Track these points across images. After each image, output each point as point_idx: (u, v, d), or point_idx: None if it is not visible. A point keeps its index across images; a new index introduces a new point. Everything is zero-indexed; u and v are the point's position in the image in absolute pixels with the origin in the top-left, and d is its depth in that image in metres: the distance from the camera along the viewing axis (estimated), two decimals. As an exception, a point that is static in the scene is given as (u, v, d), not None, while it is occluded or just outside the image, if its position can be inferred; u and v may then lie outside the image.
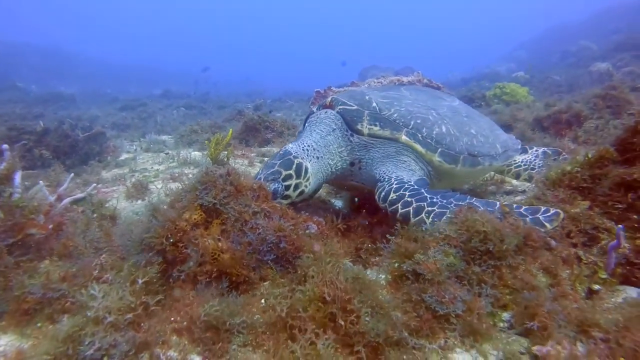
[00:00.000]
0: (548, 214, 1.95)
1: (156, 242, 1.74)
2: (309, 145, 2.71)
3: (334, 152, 2.77)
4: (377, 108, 2.79)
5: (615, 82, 6.47)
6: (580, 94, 7.48)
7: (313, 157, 2.68)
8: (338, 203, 3.54)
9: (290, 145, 2.73)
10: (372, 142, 2.75)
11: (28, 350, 1.46)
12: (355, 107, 2.80)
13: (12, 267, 1.83)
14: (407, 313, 1.55)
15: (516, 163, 3.64)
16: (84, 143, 5.75)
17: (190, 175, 4.27)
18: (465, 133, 2.93)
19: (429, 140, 2.71)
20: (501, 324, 1.61)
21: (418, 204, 2.21)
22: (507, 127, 5.72)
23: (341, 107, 2.82)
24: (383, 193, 2.42)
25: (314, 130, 2.84)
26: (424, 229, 2.03)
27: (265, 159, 5.31)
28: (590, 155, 2.20)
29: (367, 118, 2.73)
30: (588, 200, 2.09)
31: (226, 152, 4.85)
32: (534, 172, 3.49)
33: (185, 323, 1.55)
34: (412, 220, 2.17)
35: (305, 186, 2.56)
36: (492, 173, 3.87)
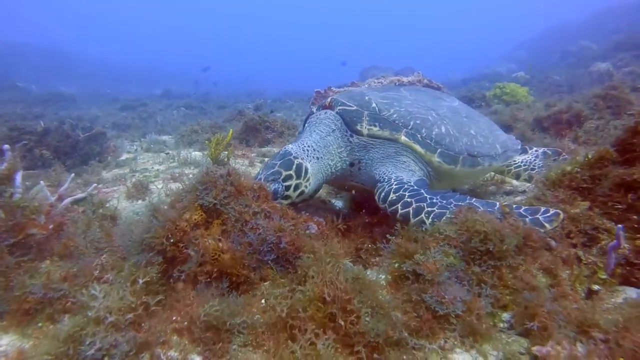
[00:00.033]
0: (548, 215, 1.95)
1: (157, 242, 1.75)
2: (309, 146, 2.72)
3: (333, 152, 2.77)
4: (377, 108, 2.79)
5: (615, 82, 6.46)
6: (580, 94, 7.48)
7: (313, 157, 2.68)
8: (338, 203, 3.54)
9: (291, 145, 2.73)
10: (371, 142, 2.75)
11: (29, 350, 1.46)
12: (355, 107, 2.80)
13: (13, 267, 1.83)
14: (407, 313, 1.55)
15: (516, 163, 3.64)
16: (84, 143, 5.76)
17: (191, 176, 4.27)
18: (464, 133, 2.93)
19: (429, 141, 2.71)
20: (501, 325, 1.61)
21: (418, 204, 2.21)
22: (507, 128, 5.73)
23: (341, 107, 2.82)
24: (383, 194, 2.42)
25: (314, 131, 2.84)
26: (423, 229, 2.04)
27: (266, 159, 5.32)
28: (590, 156, 2.20)
29: (367, 119, 2.73)
30: (588, 201, 2.09)
31: (226, 152, 4.85)
32: (533, 172, 3.50)
33: (185, 323, 1.55)
34: (412, 220, 2.17)
35: (306, 186, 2.57)
36: (492, 173, 3.87)
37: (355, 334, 1.45)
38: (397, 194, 2.35)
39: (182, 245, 1.77)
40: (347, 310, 1.50)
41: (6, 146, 2.49)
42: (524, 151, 3.79)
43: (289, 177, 2.48)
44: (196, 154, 5.79)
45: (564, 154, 3.78)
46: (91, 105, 16.20)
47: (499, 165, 3.20)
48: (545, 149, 3.87)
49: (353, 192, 3.20)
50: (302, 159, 2.59)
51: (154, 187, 4.14)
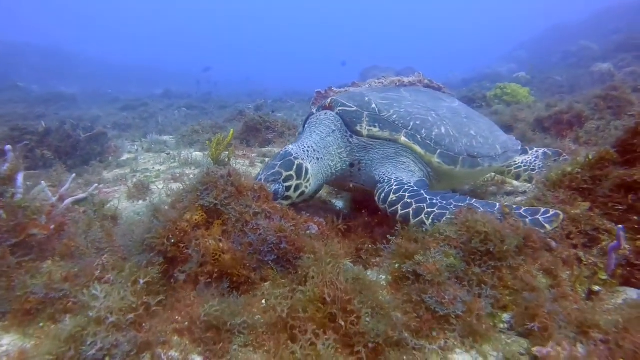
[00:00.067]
0: (548, 215, 1.95)
1: (157, 243, 1.75)
2: (309, 147, 2.72)
3: (333, 153, 2.77)
4: (377, 109, 2.79)
5: (616, 83, 6.45)
6: (581, 94, 7.47)
7: (313, 158, 2.69)
8: (339, 204, 3.54)
9: (291, 146, 2.74)
10: (371, 143, 2.76)
11: (30, 350, 1.46)
12: (355, 108, 2.80)
13: (15, 268, 1.84)
14: (408, 314, 1.56)
15: (516, 164, 3.64)
16: (85, 143, 5.77)
17: (192, 176, 4.28)
18: (464, 134, 2.94)
19: (428, 142, 2.71)
20: (501, 325, 1.61)
21: (418, 205, 2.21)
22: (508, 128, 5.73)
23: (340, 108, 2.82)
24: (383, 194, 2.42)
25: (314, 132, 2.85)
26: (424, 230, 2.04)
27: (266, 159, 5.32)
28: (590, 157, 2.20)
29: (367, 119, 2.73)
30: (588, 202, 2.09)
31: (227, 153, 4.86)
32: (534, 173, 3.50)
33: (186, 323, 1.56)
34: (412, 221, 2.17)
35: (306, 187, 2.57)
36: (493, 174, 3.87)
37: (355, 335, 1.45)
38: (397, 195, 2.35)
39: (182, 245, 1.78)
40: (348, 311, 1.50)
41: (8, 147, 2.50)
42: (524, 152, 3.79)
43: (290, 178, 2.48)
44: (197, 154, 5.79)
45: (564, 154, 3.78)
46: (92, 105, 16.23)
47: (499, 166, 3.20)
48: (546, 149, 3.87)
49: (352, 188, 3.20)
50: (303, 159, 2.60)
51: (155, 187, 4.15)
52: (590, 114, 5.52)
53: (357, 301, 1.52)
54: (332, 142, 2.78)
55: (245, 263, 1.79)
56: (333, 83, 8.61)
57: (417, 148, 2.68)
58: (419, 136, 2.71)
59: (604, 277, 1.85)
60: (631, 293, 1.82)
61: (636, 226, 1.95)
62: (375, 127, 2.71)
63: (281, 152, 2.66)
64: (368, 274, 1.91)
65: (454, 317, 1.54)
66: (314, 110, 3.05)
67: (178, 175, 4.56)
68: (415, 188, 2.38)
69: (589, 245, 1.98)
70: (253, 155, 5.57)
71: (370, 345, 1.42)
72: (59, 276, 1.74)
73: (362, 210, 2.72)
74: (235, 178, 1.99)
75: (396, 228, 2.07)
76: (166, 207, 1.93)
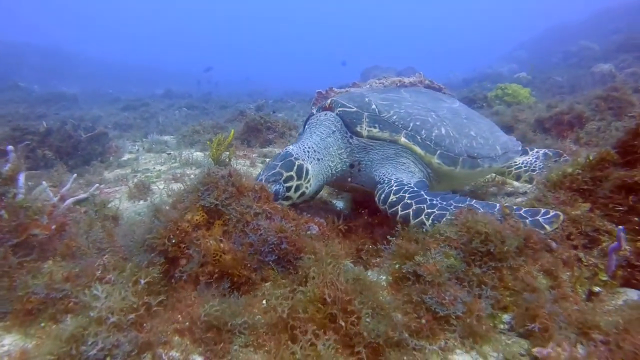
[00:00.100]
0: (548, 216, 1.95)
1: (158, 243, 1.76)
2: (309, 147, 2.73)
3: (334, 154, 2.78)
4: (377, 110, 2.80)
5: (617, 84, 6.45)
6: (582, 95, 7.47)
7: (314, 158, 2.69)
8: (339, 204, 3.54)
9: (291, 147, 2.74)
10: (371, 144, 2.76)
11: (32, 350, 1.47)
12: (355, 109, 2.80)
13: (16, 268, 1.84)
14: (408, 314, 1.56)
15: (517, 164, 3.64)
16: (86, 143, 5.78)
17: (192, 176, 4.28)
18: (464, 135, 2.94)
19: (428, 142, 2.71)
20: (501, 326, 1.61)
21: (418, 206, 2.21)
22: (508, 128, 5.73)
23: (341, 109, 2.83)
24: (383, 195, 2.43)
25: (314, 132, 2.85)
26: (424, 230, 2.04)
27: (267, 159, 5.32)
28: (591, 158, 2.20)
29: (367, 120, 2.74)
30: (589, 203, 2.09)
31: (228, 153, 4.87)
32: (534, 173, 3.50)
33: (187, 323, 1.56)
34: (412, 222, 2.18)
35: (306, 187, 2.57)
36: (493, 175, 3.87)
37: (355, 335, 1.46)
38: (397, 196, 2.35)
39: (183, 245, 1.78)
40: (348, 311, 1.50)
41: (10, 147, 2.51)
42: (524, 152, 3.79)
43: (290, 178, 2.49)
44: (198, 155, 5.80)
45: (564, 155, 3.78)
46: (93, 105, 16.25)
47: (499, 166, 3.20)
48: (546, 150, 3.87)
49: (352, 189, 3.21)
50: (303, 160, 2.60)
51: (156, 187, 4.15)
52: (591, 115, 5.52)
53: (357, 301, 1.52)
54: (332, 142, 2.78)
55: (245, 263, 1.79)
56: (334, 83, 8.62)
57: (417, 149, 2.68)
58: (418, 137, 2.71)
59: (604, 278, 1.85)
60: (631, 294, 1.82)
61: (637, 227, 1.95)
62: (375, 127, 2.71)
63: (282, 153, 2.66)
64: (368, 274, 1.92)
65: (454, 317, 1.54)
66: (314, 111, 3.05)
67: (179, 175, 4.57)
68: (415, 189, 2.38)
69: (590, 246, 1.98)
70: (254, 155, 5.58)
71: (370, 345, 1.43)
72: (60, 276, 1.75)
73: (362, 210, 2.72)
74: (236, 178, 1.99)
75: (396, 229, 2.07)
76: (167, 208, 1.94)
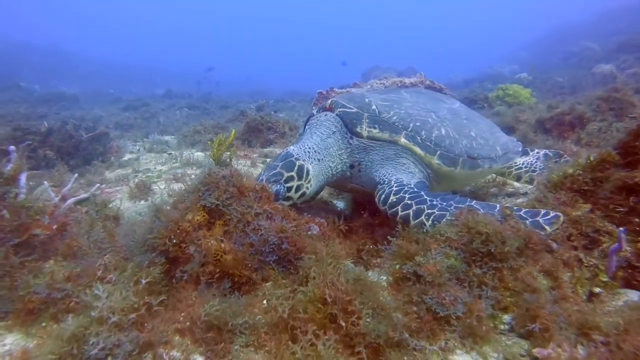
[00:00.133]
0: (548, 217, 1.95)
1: (159, 243, 1.76)
2: (310, 148, 2.73)
3: (334, 154, 2.78)
4: (377, 111, 2.80)
5: (618, 84, 6.44)
6: (583, 95, 7.46)
7: (314, 159, 2.70)
8: (340, 204, 3.55)
9: (292, 147, 2.74)
10: (371, 144, 2.76)
11: (33, 349, 1.47)
12: (355, 109, 2.81)
13: (18, 267, 1.85)
14: (408, 314, 1.56)
15: (517, 165, 3.64)
16: (87, 143, 5.79)
17: (193, 176, 4.29)
18: (464, 135, 2.94)
19: (428, 143, 2.72)
20: (502, 326, 1.62)
21: (418, 206, 2.22)
22: (509, 129, 5.73)
23: (341, 109, 2.83)
24: (383, 196, 2.43)
25: (314, 133, 2.86)
26: (424, 231, 2.04)
27: (268, 159, 5.33)
28: (592, 158, 2.20)
29: (367, 121, 2.74)
30: (589, 204, 2.09)
31: (229, 153, 4.87)
32: (535, 174, 3.50)
33: (188, 323, 1.57)
34: (412, 222, 2.18)
35: (307, 188, 2.58)
36: (494, 175, 3.87)
37: (356, 335, 1.46)
38: (397, 196, 2.35)
39: (184, 245, 1.79)
40: (348, 311, 1.50)
41: (12, 147, 2.52)
42: (525, 153, 3.79)
43: (291, 179, 2.49)
44: (199, 155, 5.81)
45: (565, 156, 3.78)
46: (94, 105, 16.27)
47: (500, 167, 3.20)
48: (547, 150, 3.87)
49: (352, 189, 3.21)
50: (304, 160, 2.61)
51: (157, 187, 4.16)
52: (591, 116, 5.51)
53: (357, 302, 1.52)
54: (333, 143, 2.79)
55: (246, 263, 1.79)
56: (335, 83, 8.63)
57: (417, 149, 2.68)
58: (418, 137, 2.71)
59: (604, 279, 1.85)
60: (632, 295, 1.82)
61: (637, 228, 1.94)
62: (375, 128, 2.71)
63: (282, 153, 2.67)
64: (369, 274, 1.91)
65: (454, 318, 1.54)
66: (315, 112, 3.06)
67: (180, 175, 4.58)
68: (416, 189, 2.38)
69: (590, 247, 1.98)
70: (254, 155, 5.58)
71: (371, 345, 1.43)
72: (62, 276, 1.75)
73: (363, 211, 2.73)
74: (237, 178, 2.00)
75: (397, 229, 2.07)
76: (168, 208, 1.94)
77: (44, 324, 1.65)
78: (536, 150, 3.87)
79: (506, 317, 1.64)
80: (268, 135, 6.74)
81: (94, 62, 38.38)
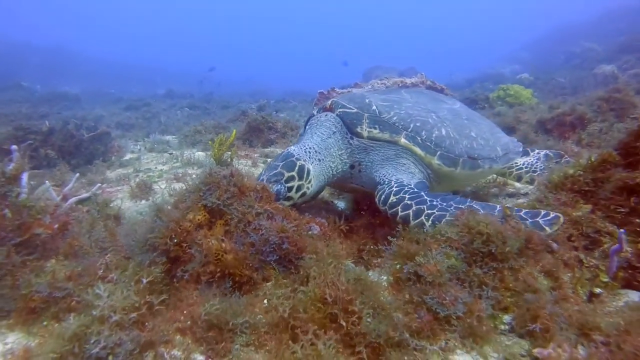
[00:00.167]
0: (548, 218, 1.95)
1: (160, 242, 1.77)
2: (310, 148, 2.73)
3: (334, 154, 2.78)
4: (377, 111, 2.80)
5: (619, 85, 6.43)
6: (584, 96, 7.44)
7: (315, 159, 2.70)
8: (341, 204, 3.55)
9: (293, 147, 2.75)
10: (371, 144, 2.76)
11: (35, 348, 1.48)
12: (355, 110, 2.81)
13: (19, 266, 1.86)
14: (409, 314, 1.56)
15: (517, 165, 3.64)
16: (88, 143, 5.80)
17: (194, 176, 4.29)
18: (465, 136, 2.94)
19: (428, 143, 2.72)
20: (502, 327, 1.62)
21: (418, 206, 2.22)
22: (510, 129, 5.72)
23: (341, 110, 2.83)
24: (383, 196, 2.43)
25: (315, 133, 2.86)
26: (424, 231, 2.05)
27: (269, 159, 5.34)
28: (593, 159, 2.20)
29: (367, 121, 2.74)
30: (590, 204, 2.09)
31: (230, 153, 4.88)
32: (535, 174, 3.50)
33: (188, 322, 1.57)
34: (412, 223, 2.18)
35: (307, 188, 2.58)
36: (495, 176, 3.87)
37: (356, 335, 1.46)
38: (397, 197, 2.35)
39: (185, 245, 1.79)
40: (349, 311, 1.51)
41: (14, 147, 2.52)
42: (525, 153, 3.79)
43: (292, 179, 2.50)
44: (199, 154, 5.81)
45: (566, 156, 3.77)
46: (95, 105, 16.30)
47: (500, 167, 3.20)
48: (547, 151, 3.87)
49: (353, 190, 3.21)
50: (304, 160, 2.61)
51: (158, 187, 4.17)
52: (593, 116, 5.50)
53: (358, 302, 1.53)
54: (333, 143, 2.79)
55: (247, 263, 1.80)
56: (336, 83, 8.64)
57: (417, 150, 2.68)
58: (419, 138, 2.71)
59: (605, 280, 1.85)
60: (632, 295, 1.82)
61: (638, 229, 1.94)
62: (375, 128, 2.72)
63: (283, 153, 2.67)
64: (369, 274, 1.92)
65: (454, 318, 1.54)
66: (315, 112, 3.06)
67: (181, 175, 4.58)
68: (416, 190, 2.39)
69: (591, 247, 1.98)
70: (255, 155, 5.59)
71: (371, 345, 1.43)
72: (63, 275, 1.76)
73: (363, 211, 2.73)
74: (238, 178, 2.00)
75: (397, 229, 2.07)
76: (169, 207, 1.95)
77: (45, 323, 1.66)
78: (537, 151, 3.86)
79: (506, 317, 1.64)
80: (269, 135, 6.75)
81: (94, 62, 38.40)
